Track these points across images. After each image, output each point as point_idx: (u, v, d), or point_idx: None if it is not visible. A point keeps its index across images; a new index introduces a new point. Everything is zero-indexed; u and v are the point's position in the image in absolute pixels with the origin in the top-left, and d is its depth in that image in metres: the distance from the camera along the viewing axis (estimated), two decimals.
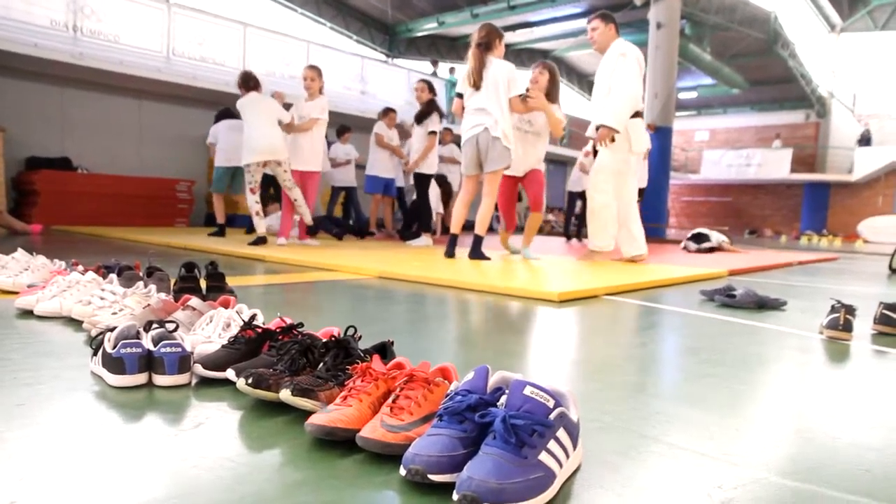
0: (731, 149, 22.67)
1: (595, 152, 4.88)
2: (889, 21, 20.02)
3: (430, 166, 6.93)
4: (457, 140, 7.42)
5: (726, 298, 2.94)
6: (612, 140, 4.57)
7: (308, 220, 5.69)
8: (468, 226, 5.24)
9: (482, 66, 4.46)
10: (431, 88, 6.83)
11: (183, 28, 9.79)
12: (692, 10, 13.27)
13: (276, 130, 5.42)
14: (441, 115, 6.90)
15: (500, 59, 4.53)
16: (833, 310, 2.21)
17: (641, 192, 7.53)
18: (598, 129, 4.63)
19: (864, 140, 20.72)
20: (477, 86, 4.46)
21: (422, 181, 6.97)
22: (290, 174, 5.50)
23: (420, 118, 6.77)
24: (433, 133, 6.73)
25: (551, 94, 4.91)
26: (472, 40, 4.51)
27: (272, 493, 0.85)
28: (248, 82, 5.51)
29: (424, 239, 6.51)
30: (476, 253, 4.57)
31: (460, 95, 4.62)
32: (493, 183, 4.60)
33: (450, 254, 4.62)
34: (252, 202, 5.46)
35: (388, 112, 8.07)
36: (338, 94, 11.56)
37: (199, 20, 10.06)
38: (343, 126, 8.91)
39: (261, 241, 5.23)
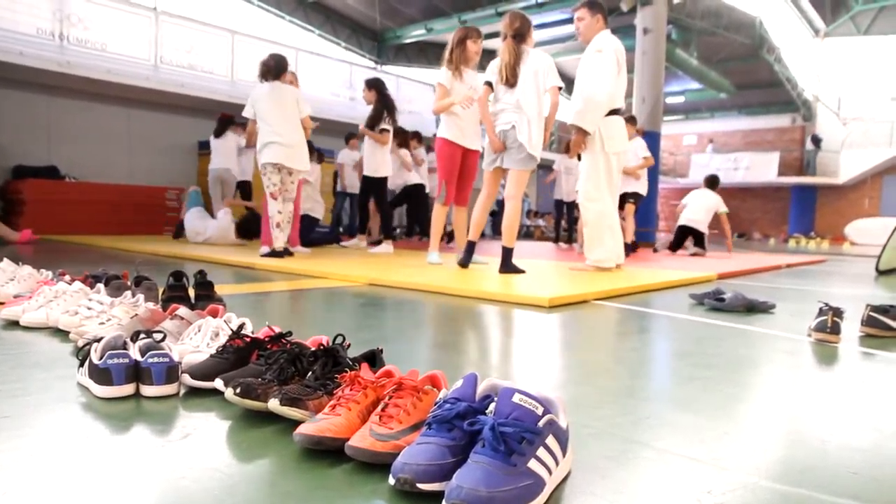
0: (717, 151, 22.84)
1: (580, 157, 4.66)
2: (871, 26, 20.27)
3: (383, 169, 6.50)
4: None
5: (716, 302, 2.95)
6: (582, 146, 4.39)
7: (285, 237, 5.14)
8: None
9: (517, 60, 4.05)
10: (375, 86, 6.43)
11: (171, 36, 9.77)
12: (678, 15, 13.37)
13: (300, 132, 5.04)
14: (392, 111, 6.40)
15: (537, 50, 4.15)
16: (821, 312, 2.23)
17: (640, 197, 7.51)
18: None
19: (816, 141, 21.16)
20: (511, 83, 4.06)
21: (375, 185, 6.57)
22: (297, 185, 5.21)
23: (372, 123, 6.31)
24: (385, 131, 6.35)
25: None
26: (504, 31, 4.08)
27: (261, 503, 0.84)
28: (280, 70, 5.03)
29: (385, 246, 6.15)
30: (508, 266, 4.08)
31: (489, 84, 4.17)
32: (518, 184, 4.15)
33: (465, 263, 4.23)
34: (275, 210, 4.99)
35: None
36: (327, 101, 11.58)
37: (187, 28, 10.05)
38: (351, 133, 8.92)
39: (277, 254, 4.86)
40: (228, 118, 7.77)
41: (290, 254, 5.05)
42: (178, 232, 7.18)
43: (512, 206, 4.19)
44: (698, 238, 7.79)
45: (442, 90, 4.53)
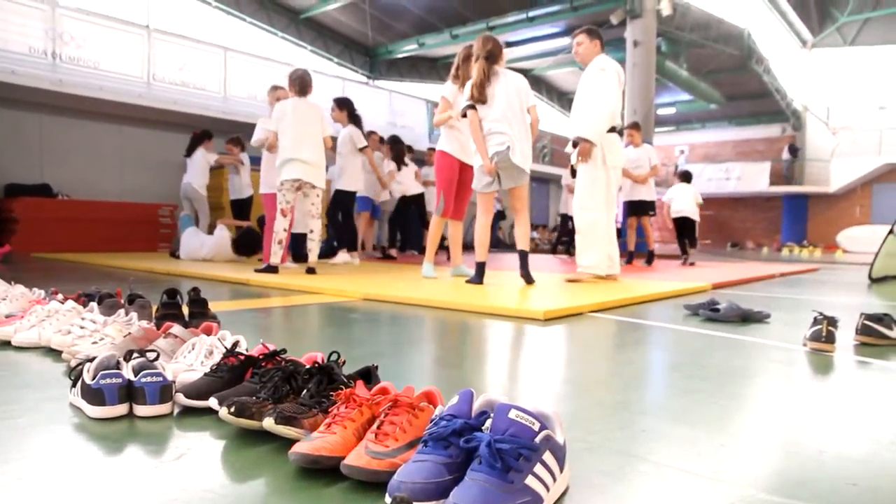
0: (710, 162, 22.98)
1: (574, 172, 4.79)
2: (857, 36, 20.53)
3: (355, 182, 6.69)
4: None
5: (710, 312, 2.96)
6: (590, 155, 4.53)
7: (316, 254, 5.15)
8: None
9: (487, 80, 4.19)
10: (347, 107, 6.58)
11: (163, 53, 9.80)
12: (668, 28, 13.50)
13: (322, 149, 5.07)
14: (359, 124, 6.62)
15: (511, 71, 4.30)
16: (815, 322, 2.23)
17: (652, 205, 7.67)
18: (575, 144, 4.64)
19: (793, 151, 21.42)
20: (481, 100, 4.17)
21: (344, 198, 6.71)
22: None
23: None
24: (365, 148, 6.56)
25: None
26: (477, 52, 4.25)
27: None
28: (306, 85, 5.04)
29: (342, 256, 6.46)
30: (527, 272, 4.26)
31: (472, 107, 4.24)
32: (523, 197, 4.36)
33: (478, 282, 4.26)
34: (280, 227, 4.98)
35: (370, 135, 8.13)
36: None
37: (180, 45, 10.08)
38: None
39: (271, 269, 4.88)
40: (199, 136, 7.78)
41: (276, 270, 5.01)
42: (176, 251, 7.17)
43: (525, 218, 4.43)
44: (691, 229, 8.09)
45: (445, 104, 4.67)
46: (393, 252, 8.51)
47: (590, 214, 4.61)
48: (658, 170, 7.63)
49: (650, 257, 7.57)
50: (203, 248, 6.62)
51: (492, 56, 4.23)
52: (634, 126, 7.69)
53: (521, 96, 4.22)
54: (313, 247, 5.08)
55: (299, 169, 4.90)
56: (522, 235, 4.43)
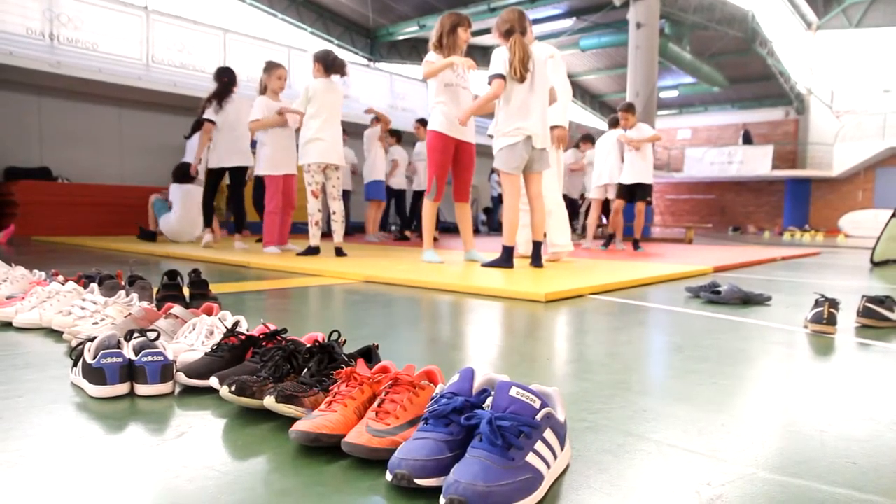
0: (713, 146, 22.89)
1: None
2: (863, 18, 20.34)
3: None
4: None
5: (711, 295, 2.95)
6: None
7: (341, 234, 5.19)
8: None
9: (528, 56, 4.06)
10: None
11: (162, 35, 9.73)
12: (671, 9, 13.39)
13: (340, 130, 5.15)
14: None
15: (540, 44, 4.31)
16: (817, 304, 2.23)
17: (649, 190, 7.13)
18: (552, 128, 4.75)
19: (746, 139, 21.45)
20: (523, 78, 4.05)
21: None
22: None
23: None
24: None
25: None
26: (512, 25, 4.09)
27: (257, 501, 0.83)
28: (333, 64, 5.05)
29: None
30: (537, 261, 4.25)
31: (502, 77, 4.06)
32: (538, 183, 4.31)
33: (508, 266, 4.15)
34: (315, 209, 5.08)
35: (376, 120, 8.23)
36: None
37: (179, 27, 10.01)
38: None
39: (313, 251, 4.96)
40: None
41: (318, 252, 5.02)
42: (146, 235, 6.99)
43: (540, 204, 4.32)
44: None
45: (429, 64, 4.41)
46: (408, 234, 8.57)
47: (557, 195, 4.85)
48: (659, 137, 7.14)
49: (636, 244, 7.10)
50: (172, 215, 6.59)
51: (524, 31, 4.13)
52: (627, 108, 7.15)
53: (545, 76, 4.20)
54: (338, 227, 5.16)
55: (326, 150, 4.97)
56: (537, 225, 4.31)
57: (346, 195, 8.99)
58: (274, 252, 5.18)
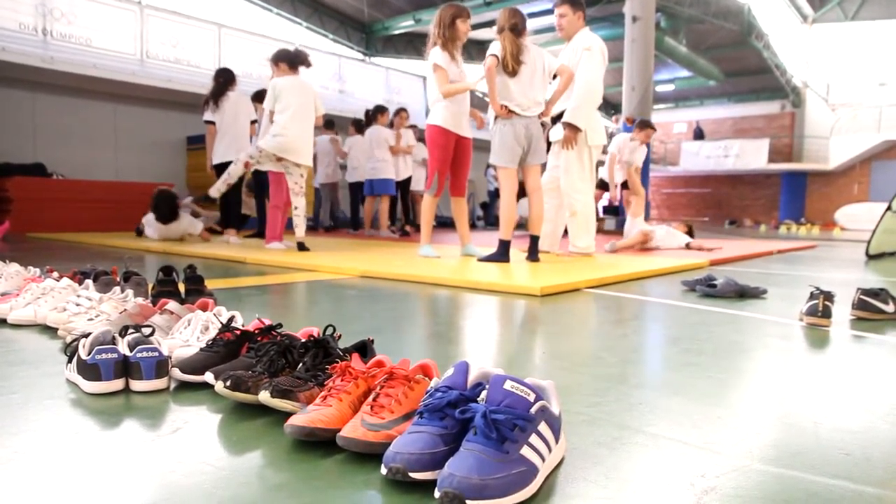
0: (709, 139, 22.89)
1: (549, 145, 4.75)
2: (859, 11, 20.32)
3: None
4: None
5: (707, 288, 2.96)
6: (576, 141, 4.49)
7: (303, 230, 5.24)
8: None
9: (519, 52, 4.10)
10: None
11: (156, 30, 9.67)
12: (667, 2, 13.36)
13: (311, 128, 5.15)
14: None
15: (536, 46, 4.27)
16: (812, 297, 2.24)
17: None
18: (554, 121, 4.60)
19: (698, 134, 21.60)
20: (514, 73, 4.09)
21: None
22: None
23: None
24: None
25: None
26: (502, 24, 4.13)
27: (252, 496, 0.84)
28: (297, 59, 5.05)
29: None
30: (534, 255, 4.24)
31: (496, 56, 4.10)
32: (537, 177, 4.31)
33: (504, 260, 4.17)
34: (236, 173, 5.23)
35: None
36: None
37: (173, 22, 9.95)
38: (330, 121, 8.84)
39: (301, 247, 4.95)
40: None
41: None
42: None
43: (539, 198, 4.31)
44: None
45: (442, 73, 4.36)
46: (408, 229, 8.54)
47: (585, 197, 4.64)
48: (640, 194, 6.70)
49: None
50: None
51: (516, 29, 4.14)
52: (646, 124, 6.88)
53: (546, 71, 4.22)
54: (299, 223, 5.17)
55: (283, 144, 4.96)
56: (535, 218, 4.30)
57: (332, 188, 8.99)
58: (279, 248, 5.13)
